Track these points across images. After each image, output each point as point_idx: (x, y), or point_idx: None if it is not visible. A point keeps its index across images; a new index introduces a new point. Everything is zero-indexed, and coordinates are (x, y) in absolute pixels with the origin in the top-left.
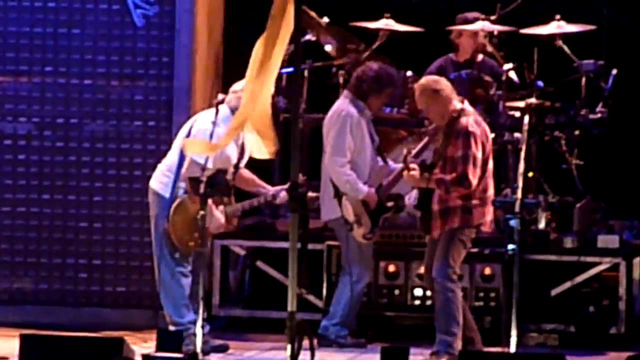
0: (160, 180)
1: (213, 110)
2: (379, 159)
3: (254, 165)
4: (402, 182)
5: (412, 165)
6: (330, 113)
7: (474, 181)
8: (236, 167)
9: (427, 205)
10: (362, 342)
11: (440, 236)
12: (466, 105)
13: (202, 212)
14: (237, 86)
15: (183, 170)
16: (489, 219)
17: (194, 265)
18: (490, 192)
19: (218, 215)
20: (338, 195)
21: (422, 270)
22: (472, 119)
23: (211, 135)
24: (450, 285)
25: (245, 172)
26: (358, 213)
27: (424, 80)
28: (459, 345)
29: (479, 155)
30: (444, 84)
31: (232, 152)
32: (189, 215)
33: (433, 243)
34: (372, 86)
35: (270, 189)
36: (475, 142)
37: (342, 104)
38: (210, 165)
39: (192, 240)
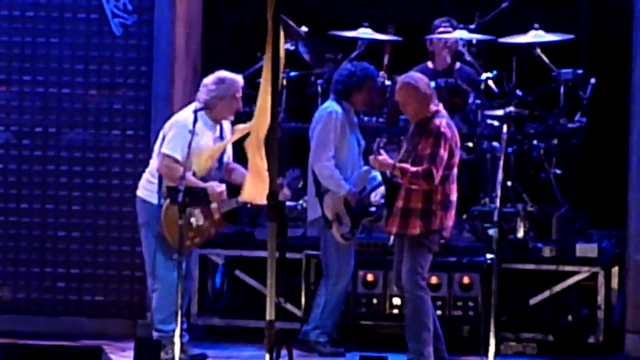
0: (145, 187)
1: (187, 110)
2: (364, 165)
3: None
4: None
5: (381, 151)
6: (316, 113)
7: (437, 180)
8: (220, 161)
9: (393, 204)
10: (341, 351)
11: (404, 242)
12: (441, 109)
13: (180, 222)
14: (207, 80)
15: (158, 165)
16: (450, 224)
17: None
18: (454, 197)
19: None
20: (319, 193)
21: None
22: (444, 121)
23: (190, 144)
24: (419, 293)
25: (234, 165)
26: (338, 211)
27: (409, 75)
28: (430, 352)
29: (446, 156)
30: (426, 84)
31: (205, 145)
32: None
33: (400, 248)
34: (347, 82)
35: None
36: (445, 143)
37: (329, 104)
38: (181, 158)
39: (189, 240)
